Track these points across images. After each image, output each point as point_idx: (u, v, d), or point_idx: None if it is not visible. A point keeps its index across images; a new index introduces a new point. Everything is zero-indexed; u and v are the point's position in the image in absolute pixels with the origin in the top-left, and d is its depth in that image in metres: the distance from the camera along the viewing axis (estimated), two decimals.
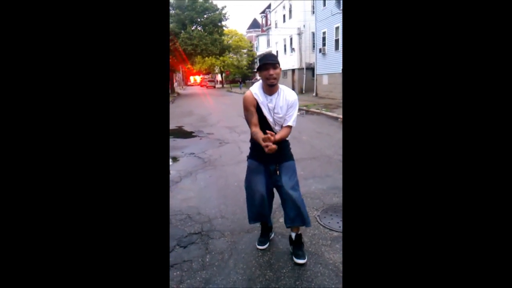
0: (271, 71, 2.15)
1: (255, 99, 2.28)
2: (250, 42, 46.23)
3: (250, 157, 2.52)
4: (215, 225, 3.10)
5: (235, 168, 4.97)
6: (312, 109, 12.41)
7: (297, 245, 2.45)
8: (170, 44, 27.44)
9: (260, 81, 2.31)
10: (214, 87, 49.21)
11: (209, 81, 52.72)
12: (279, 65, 2.20)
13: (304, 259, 2.38)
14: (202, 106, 17.03)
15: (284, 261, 2.44)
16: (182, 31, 27.75)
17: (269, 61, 2.16)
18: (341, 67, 15.87)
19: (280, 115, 2.30)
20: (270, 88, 2.24)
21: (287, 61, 25.33)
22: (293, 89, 24.06)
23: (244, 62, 45.15)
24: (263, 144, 2.04)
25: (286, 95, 2.31)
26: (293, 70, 24.60)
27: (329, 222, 3.03)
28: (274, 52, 29.14)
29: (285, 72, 26.15)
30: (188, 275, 2.32)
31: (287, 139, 2.46)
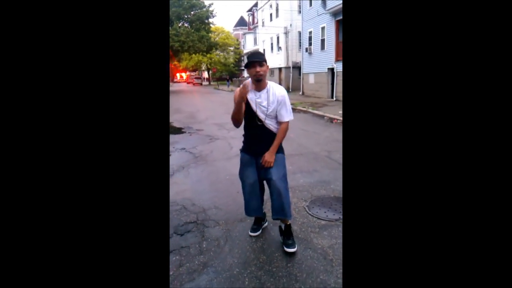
0: (258, 68, 2.31)
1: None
2: (237, 40, 46.24)
3: (242, 150, 2.67)
4: (209, 215, 3.27)
5: (226, 163, 5.14)
6: (299, 108, 12.66)
7: (287, 235, 2.61)
8: None
9: (249, 79, 2.43)
10: (201, 84, 49.05)
11: (196, 78, 52.50)
12: (266, 62, 2.35)
13: (294, 248, 2.52)
14: (190, 103, 17.07)
15: (276, 247, 2.64)
16: (169, 28, 27.57)
17: (255, 59, 2.31)
18: (327, 67, 16.18)
19: (269, 110, 2.42)
20: (258, 84, 2.39)
21: (274, 60, 25.57)
22: None
23: (231, 60, 45.16)
24: (242, 90, 2.25)
25: (275, 91, 2.43)
26: (280, 69, 24.85)
27: (317, 212, 3.25)
28: (261, 51, 29.33)
29: (272, 70, 26.38)
30: (187, 259, 2.49)
31: (276, 132, 2.54)
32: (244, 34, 39.72)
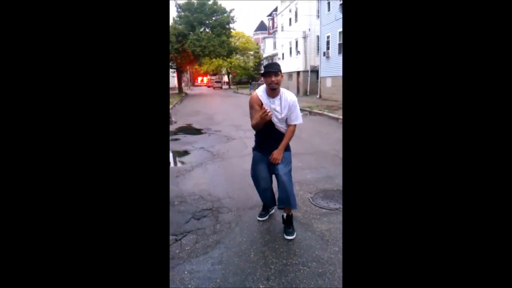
0: (273, 78, 2.60)
1: (259, 99, 2.73)
2: (257, 44, 46.86)
3: (254, 149, 3.02)
4: (223, 203, 3.68)
5: (241, 160, 5.55)
6: (315, 110, 12.96)
7: (288, 224, 2.93)
8: (179, 45, 28.15)
9: (264, 85, 2.74)
10: (221, 88, 49.94)
11: (216, 82, 53.48)
12: (281, 72, 2.64)
13: (292, 235, 2.83)
14: (210, 106, 17.64)
15: (280, 230, 3.00)
16: (191, 32, 28.44)
17: (271, 69, 2.61)
18: None
19: (283, 115, 2.72)
20: (272, 92, 2.68)
21: (293, 64, 25.91)
22: (298, 90, 24.67)
23: (251, 64, 45.78)
24: (262, 115, 2.52)
25: (287, 97, 2.72)
26: (298, 73, 25.14)
27: (319, 202, 3.60)
28: (280, 54, 29.71)
29: (290, 74, 26.72)
30: (202, 238, 2.90)
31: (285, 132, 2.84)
32: (264, 38, 40.27)
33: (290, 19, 27.15)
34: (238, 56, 42.81)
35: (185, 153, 6.43)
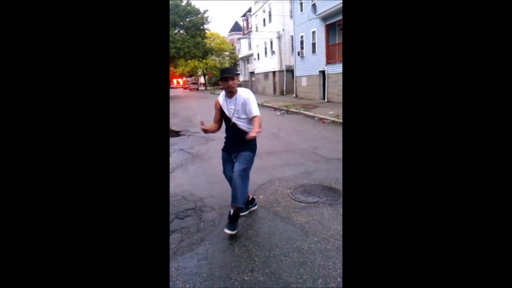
0: (230, 82, 2.87)
1: (218, 103, 3.08)
2: (232, 45, 46.89)
3: (222, 149, 3.23)
4: (206, 202, 3.76)
5: (220, 160, 5.63)
6: (291, 109, 13.19)
7: (230, 220, 2.93)
8: None
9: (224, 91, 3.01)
10: (197, 89, 49.63)
11: (192, 83, 53.07)
12: (237, 76, 2.94)
13: (231, 230, 2.87)
14: (187, 108, 17.57)
15: (262, 224, 3.13)
16: None
17: (228, 74, 2.87)
18: (318, 70, 16.74)
19: (237, 110, 2.95)
20: (230, 94, 2.97)
21: (268, 64, 26.16)
22: (274, 90, 24.91)
23: (227, 64, 45.73)
24: (204, 129, 2.98)
25: (241, 94, 2.95)
26: (273, 72, 25.42)
27: (298, 197, 3.75)
28: (255, 55, 29.89)
29: (266, 74, 26.96)
30: (187, 236, 2.98)
31: (249, 132, 2.91)
32: (239, 39, 40.35)
33: (264, 20, 27.38)
34: (213, 57, 42.73)
35: None
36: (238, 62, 43.80)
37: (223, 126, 3.19)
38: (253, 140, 3.01)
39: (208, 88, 50.63)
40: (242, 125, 3.00)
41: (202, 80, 57.77)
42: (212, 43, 40.73)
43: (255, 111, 2.94)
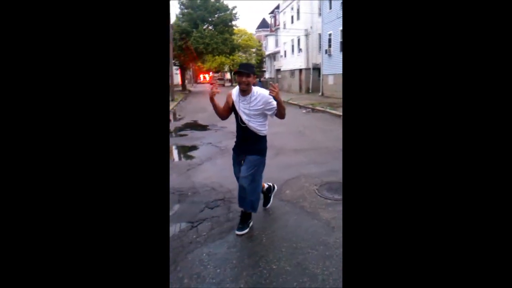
0: (244, 79, 2.70)
1: (231, 97, 2.92)
2: (259, 42, 46.96)
3: (233, 148, 3.15)
4: (234, 194, 3.89)
5: None
6: (317, 108, 13.16)
7: (241, 220, 3.00)
8: (182, 42, 28.32)
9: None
10: (223, 85, 50.15)
11: (218, 79, 53.65)
12: (254, 75, 2.74)
13: (241, 231, 2.91)
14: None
15: (288, 217, 3.23)
16: (194, 30, 28.60)
17: (243, 70, 2.71)
18: None
19: (252, 111, 2.77)
20: (242, 92, 2.79)
21: (295, 61, 26.09)
22: (300, 88, 24.81)
23: (253, 61, 45.90)
24: (211, 94, 2.74)
25: (259, 94, 2.77)
26: (300, 70, 25.33)
27: (325, 193, 3.83)
28: (282, 52, 29.84)
29: (292, 72, 26.91)
30: (217, 225, 3.13)
31: (259, 135, 2.88)
32: (266, 36, 40.37)
33: (292, 17, 27.29)
34: (240, 53, 42.96)
35: (194, 148, 6.66)
36: (264, 59, 43.86)
37: (232, 122, 3.05)
38: (262, 142, 2.94)
39: (234, 84, 50.99)
40: (253, 126, 2.83)
41: (228, 76, 58.28)
42: (240, 40, 40.97)
43: (274, 106, 2.74)
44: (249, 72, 2.71)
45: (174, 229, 3.07)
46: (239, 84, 2.75)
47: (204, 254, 2.60)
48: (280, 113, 2.76)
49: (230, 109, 2.96)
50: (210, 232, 2.99)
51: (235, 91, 2.89)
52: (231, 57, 38.38)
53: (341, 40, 17.52)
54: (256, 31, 52.14)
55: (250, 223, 3.04)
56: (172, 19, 25.39)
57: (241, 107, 2.83)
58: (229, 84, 52.96)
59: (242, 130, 2.89)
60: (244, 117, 2.82)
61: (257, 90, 2.82)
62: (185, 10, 29.36)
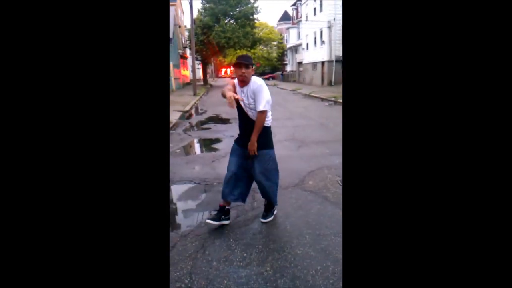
0: (243, 70, 2.60)
1: (234, 85, 2.79)
2: (281, 35, 46.68)
3: (234, 140, 3.07)
4: None
5: None
6: (340, 100, 13.04)
7: (265, 209, 3.11)
8: (204, 37, 28.57)
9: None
10: None
11: None
12: (252, 66, 2.65)
13: (265, 219, 3.02)
14: None
15: (312, 206, 3.31)
16: (216, 24, 28.78)
17: (242, 61, 2.61)
18: None
19: (251, 101, 2.68)
20: (241, 83, 2.72)
21: (317, 54, 25.81)
22: (322, 81, 24.54)
23: (274, 55, 45.76)
24: (230, 97, 2.61)
25: (252, 84, 2.67)
26: (322, 63, 25.05)
27: None
28: (304, 45, 29.58)
29: (315, 64, 26.65)
30: (242, 213, 3.25)
31: (267, 125, 2.79)
32: (288, 28, 40.08)
33: (314, 9, 26.93)
34: (262, 46, 42.89)
35: (217, 140, 6.82)
36: (286, 52, 43.59)
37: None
38: (268, 133, 2.85)
39: None
40: (254, 116, 2.74)
41: None
42: (261, 33, 40.88)
43: (261, 105, 2.63)
44: (247, 63, 2.63)
45: (201, 216, 3.21)
46: (239, 76, 2.67)
47: (231, 240, 2.72)
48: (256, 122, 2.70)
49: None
50: (236, 219, 3.11)
51: (236, 81, 2.82)
52: (252, 50, 38.38)
53: None
54: (277, 24, 51.83)
55: (274, 211, 3.14)
56: (195, 14, 25.63)
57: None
58: None
59: (245, 121, 2.82)
60: (245, 108, 2.76)
61: (253, 79, 2.71)
62: (207, 5, 29.55)
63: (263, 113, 2.65)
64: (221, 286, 2.13)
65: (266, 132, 2.82)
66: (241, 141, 2.89)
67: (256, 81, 2.69)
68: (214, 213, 3.04)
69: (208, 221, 2.89)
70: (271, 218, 3.06)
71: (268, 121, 2.81)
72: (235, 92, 2.75)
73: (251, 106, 2.71)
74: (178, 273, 2.28)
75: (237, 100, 2.68)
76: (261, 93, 2.64)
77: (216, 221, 2.90)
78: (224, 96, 2.73)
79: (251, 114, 2.74)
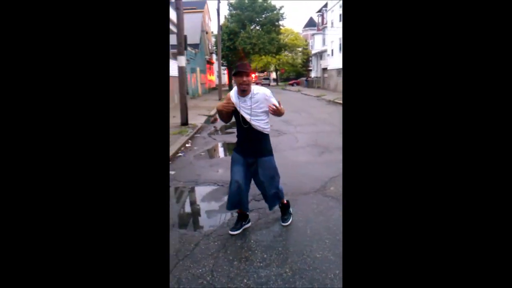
0: (245, 78, 2.60)
1: (231, 99, 2.76)
2: (306, 41, 46.64)
3: (234, 149, 2.99)
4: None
5: (293, 153, 5.92)
6: None
7: (283, 212, 3.16)
8: (230, 43, 29.04)
9: (236, 87, 2.74)
10: (269, 84, 50.54)
11: (264, 78, 54.19)
12: (252, 74, 2.80)
13: (287, 222, 3.08)
14: None
15: (332, 212, 3.33)
16: (242, 30, 29.19)
17: (244, 70, 2.60)
18: None
19: (257, 110, 2.70)
20: (242, 92, 2.69)
21: (342, 60, 25.59)
22: None
23: (299, 61, 45.73)
24: (226, 105, 2.70)
25: (259, 92, 2.71)
26: None
27: None
28: (329, 51, 29.43)
29: (339, 70, 26.43)
30: (263, 215, 3.32)
31: (265, 133, 2.83)
32: (313, 34, 39.95)
33: (340, 15, 26.77)
34: (286, 52, 42.99)
35: None
36: (310, 58, 43.46)
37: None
38: (269, 141, 2.91)
39: (279, 83, 51.16)
40: (258, 125, 2.75)
41: (273, 75, 58.55)
42: (286, 39, 41.03)
43: (276, 101, 2.73)
44: (248, 72, 2.64)
45: (224, 217, 3.30)
46: (240, 85, 2.66)
47: (252, 241, 2.80)
48: (279, 114, 2.75)
49: (232, 113, 2.82)
50: (257, 221, 3.19)
51: (233, 93, 2.78)
52: (277, 56, 38.57)
53: None
54: (302, 30, 51.88)
55: (290, 210, 3.22)
56: (222, 20, 26.13)
57: (242, 108, 2.73)
58: (274, 83, 53.19)
59: (246, 131, 2.78)
60: (247, 117, 2.72)
61: (255, 89, 2.76)
62: (234, 11, 30.06)
63: (279, 104, 2.70)
64: (241, 285, 2.21)
65: (267, 140, 2.89)
66: (245, 152, 2.87)
67: (260, 90, 2.74)
68: (234, 222, 3.08)
69: (231, 233, 2.93)
70: (291, 220, 3.13)
71: (268, 128, 2.84)
72: (232, 105, 2.75)
73: (257, 113, 2.72)
74: (200, 270, 2.38)
75: (234, 109, 2.74)
76: (271, 99, 2.72)
77: (239, 229, 2.97)
78: (221, 111, 2.78)
79: (255, 123, 2.74)
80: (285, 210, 3.18)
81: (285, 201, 3.18)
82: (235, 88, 2.79)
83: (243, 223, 3.03)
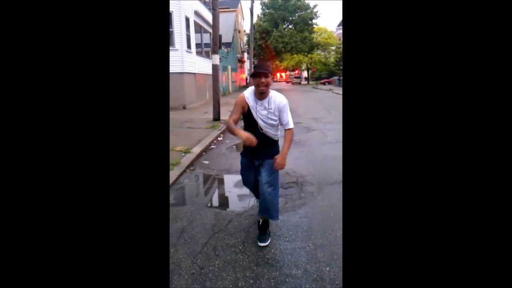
0: (263, 79, 2.35)
1: (246, 101, 2.52)
2: (339, 40, 46.04)
3: (242, 153, 2.86)
4: (306, 179, 4.34)
5: (322, 148, 6.15)
6: None
7: (261, 231, 2.77)
8: (262, 41, 29.38)
9: (253, 86, 2.52)
10: (300, 83, 50.45)
11: (295, 77, 54.17)
12: (271, 74, 2.40)
13: (264, 242, 2.66)
14: (290, 101, 18.15)
15: None
16: (274, 29, 29.45)
17: (262, 70, 2.35)
18: None
19: (272, 118, 2.51)
20: (260, 94, 2.45)
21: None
22: None
23: (332, 59, 45.26)
24: (246, 140, 2.37)
25: (276, 99, 2.48)
26: None
27: None
28: None
29: None
30: (290, 200, 3.61)
31: (275, 139, 2.67)
32: None
33: None
34: (319, 51, 42.72)
35: None
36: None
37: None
38: (278, 145, 2.73)
39: (310, 82, 50.91)
40: (269, 131, 2.59)
41: (305, 74, 58.32)
42: (319, 38, 40.77)
43: (291, 122, 2.56)
44: (267, 72, 2.38)
45: (254, 201, 3.62)
46: (258, 86, 2.41)
47: (280, 221, 3.10)
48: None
49: (241, 116, 2.62)
50: (284, 205, 3.48)
51: (249, 94, 2.55)
52: (309, 55, 38.46)
53: None
54: (336, 29, 51.17)
55: (269, 232, 2.82)
56: (254, 19, 26.51)
57: (258, 112, 2.52)
58: (305, 82, 52.99)
59: (259, 134, 2.51)
60: (262, 124, 2.54)
61: (273, 94, 2.53)
62: (267, 10, 30.38)
63: (292, 129, 2.60)
64: (269, 254, 2.52)
65: (276, 144, 2.73)
66: (254, 155, 2.71)
67: (278, 97, 2.52)
68: (261, 236, 2.78)
69: (261, 244, 2.67)
70: (269, 241, 2.72)
71: (278, 135, 2.70)
72: (246, 107, 2.55)
73: (270, 121, 2.53)
74: (233, 241, 2.72)
75: (247, 106, 2.54)
76: (287, 111, 2.55)
77: (268, 237, 2.75)
78: (235, 134, 2.50)
79: (268, 130, 2.57)
80: (265, 227, 2.80)
81: (267, 220, 2.82)
82: (250, 89, 2.58)
83: (268, 230, 2.82)
